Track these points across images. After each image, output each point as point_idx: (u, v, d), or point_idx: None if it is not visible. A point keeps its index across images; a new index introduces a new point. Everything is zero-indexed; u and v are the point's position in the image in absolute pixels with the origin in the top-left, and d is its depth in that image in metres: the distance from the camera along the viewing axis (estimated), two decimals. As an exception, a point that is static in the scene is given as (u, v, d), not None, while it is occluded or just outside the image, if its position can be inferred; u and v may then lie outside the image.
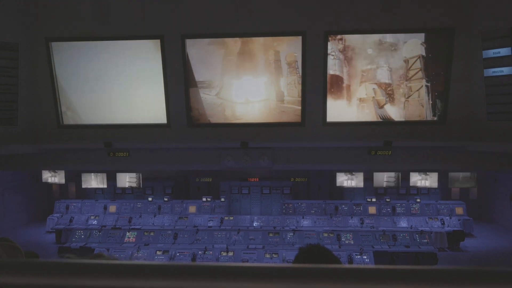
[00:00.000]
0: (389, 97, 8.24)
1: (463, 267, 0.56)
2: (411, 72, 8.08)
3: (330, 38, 7.91)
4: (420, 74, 8.05)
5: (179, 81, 8.29)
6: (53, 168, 11.00)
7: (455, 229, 10.15)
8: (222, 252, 8.97)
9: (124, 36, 8.15)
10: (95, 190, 12.49)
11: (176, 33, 8.02)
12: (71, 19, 8.17)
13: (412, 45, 7.96)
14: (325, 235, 9.62)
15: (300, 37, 7.96)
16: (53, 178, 11.51)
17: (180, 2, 8.03)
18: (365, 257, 8.76)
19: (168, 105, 8.46)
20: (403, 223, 10.60)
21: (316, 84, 8.17)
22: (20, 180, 11.96)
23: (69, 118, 8.72)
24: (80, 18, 8.14)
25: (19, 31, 8.20)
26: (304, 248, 2.14)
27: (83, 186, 11.81)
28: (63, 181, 11.56)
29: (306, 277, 0.56)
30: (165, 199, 11.62)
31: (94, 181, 11.72)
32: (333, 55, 8.03)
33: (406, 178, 11.01)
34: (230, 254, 8.89)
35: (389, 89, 8.20)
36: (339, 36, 7.96)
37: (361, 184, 11.15)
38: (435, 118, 8.24)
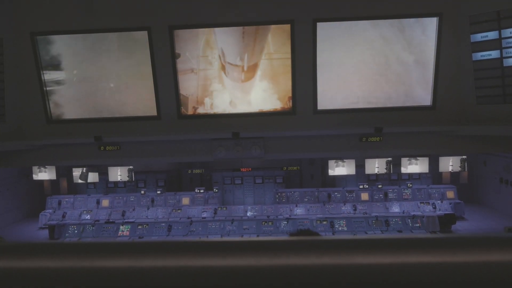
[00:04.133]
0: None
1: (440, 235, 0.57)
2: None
3: None
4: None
5: (168, 73, 8.22)
6: (43, 164, 10.88)
7: (447, 212, 10.26)
8: (216, 243, 9.00)
9: (111, 28, 8.04)
10: (87, 184, 12.40)
11: (163, 24, 7.93)
12: (56, 13, 8.04)
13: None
14: (319, 222, 9.69)
15: None
16: (43, 174, 11.38)
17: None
18: (359, 243, 8.85)
19: (158, 97, 8.40)
20: (395, 208, 10.70)
21: (306, 72, 8.15)
22: (10, 177, 11.83)
23: (58, 113, 8.61)
24: (65, 11, 8.01)
25: (3, 26, 8.05)
26: (294, 233, 2.19)
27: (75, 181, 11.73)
28: (54, 177, 11.44)
29: (294, 250, 0.56)
30: (158, 192, 11.58)
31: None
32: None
33: (398, 164, 11.08)
34: (225, 244, 8.94)
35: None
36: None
37: (353, 171, 11.20)
38: (426, 103, 8.28)
